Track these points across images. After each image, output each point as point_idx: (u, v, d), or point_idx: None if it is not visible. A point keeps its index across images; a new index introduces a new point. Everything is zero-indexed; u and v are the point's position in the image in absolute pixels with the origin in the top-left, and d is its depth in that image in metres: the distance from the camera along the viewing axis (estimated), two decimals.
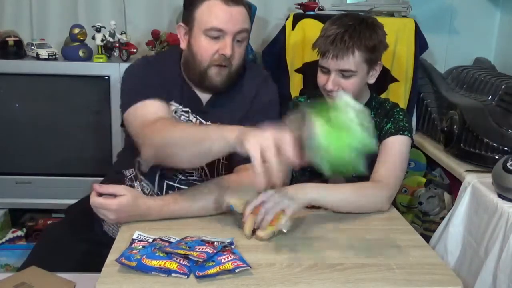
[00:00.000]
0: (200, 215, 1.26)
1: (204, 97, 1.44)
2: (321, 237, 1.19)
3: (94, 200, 1.19)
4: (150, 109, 1.31)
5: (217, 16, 1.31)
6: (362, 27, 1.43)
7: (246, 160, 1.31)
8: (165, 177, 1.39)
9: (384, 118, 1.51)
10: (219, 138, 1.12)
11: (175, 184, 1.40)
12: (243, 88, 1.45)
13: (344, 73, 1.43)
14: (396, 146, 1.46)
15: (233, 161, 1.38)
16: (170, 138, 1.20)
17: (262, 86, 1.47)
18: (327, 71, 1.45)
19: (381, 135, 1.49)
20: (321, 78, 1.49)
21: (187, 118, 1.42)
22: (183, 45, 1.41)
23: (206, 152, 1.16)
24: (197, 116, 1.42)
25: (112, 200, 1.18)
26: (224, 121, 1.38)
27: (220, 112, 1.42)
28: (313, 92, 1.65)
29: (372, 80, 1.51)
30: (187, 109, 1.42)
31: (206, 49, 1.34)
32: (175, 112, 1.39)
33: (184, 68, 1.44)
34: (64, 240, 1.44)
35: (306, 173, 1.52)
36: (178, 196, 1.27)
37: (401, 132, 1.46)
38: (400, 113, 1.52)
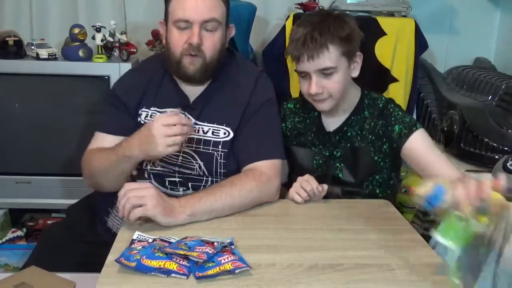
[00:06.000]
0: (227, 204, 1.25)
1: (193, 93, 1.45)
2: (321, 237, 1.19)
3: (130, 184, 1.19)
4: (96, 141, 1.45)
5: (183, 7, 1.34)
6: (330, 20, 1.39)
7: (251, 159, 1.35)
8: (166, 175, 1.40)
9: (379, 120, 1.46)
10: (122, 159, 1.28)
11: (176, 179, 1.40)
12: (240, 86, 1.44)
13: (325, 72, 1.38)
14: (425, 142, 1.41)
15: (235, 160, 1.39)
16: (93, 169, 1.37)
17: (259, 83, 1.46)
18: (307, 75, 1.40)
19: (393, 140, 1.43)
20: (303, 85, 1.43)
21: None
22: (164, 40, 1.46)
23: (119, 174, 1.33)
24: (185, 113, 1.41)
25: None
26: (218, 119, 1.40)
27: (213, 109, 1.42)
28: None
29: (355, 73, 1.45)
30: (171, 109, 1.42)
31: (176, 40, 1.37)
32: (150, 116, 1.42)
33: (167, 65, 1.45)
34: (64, 240, 1.44)
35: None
36: (200, 191, 1.29)
37: (414, 128, 1.41)
38: (397, 109, 1.46)
